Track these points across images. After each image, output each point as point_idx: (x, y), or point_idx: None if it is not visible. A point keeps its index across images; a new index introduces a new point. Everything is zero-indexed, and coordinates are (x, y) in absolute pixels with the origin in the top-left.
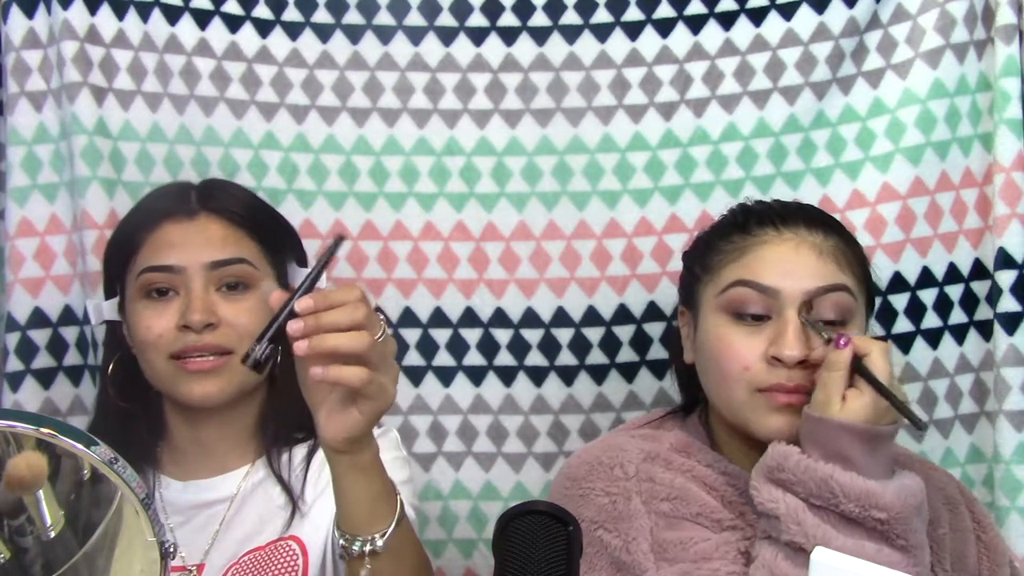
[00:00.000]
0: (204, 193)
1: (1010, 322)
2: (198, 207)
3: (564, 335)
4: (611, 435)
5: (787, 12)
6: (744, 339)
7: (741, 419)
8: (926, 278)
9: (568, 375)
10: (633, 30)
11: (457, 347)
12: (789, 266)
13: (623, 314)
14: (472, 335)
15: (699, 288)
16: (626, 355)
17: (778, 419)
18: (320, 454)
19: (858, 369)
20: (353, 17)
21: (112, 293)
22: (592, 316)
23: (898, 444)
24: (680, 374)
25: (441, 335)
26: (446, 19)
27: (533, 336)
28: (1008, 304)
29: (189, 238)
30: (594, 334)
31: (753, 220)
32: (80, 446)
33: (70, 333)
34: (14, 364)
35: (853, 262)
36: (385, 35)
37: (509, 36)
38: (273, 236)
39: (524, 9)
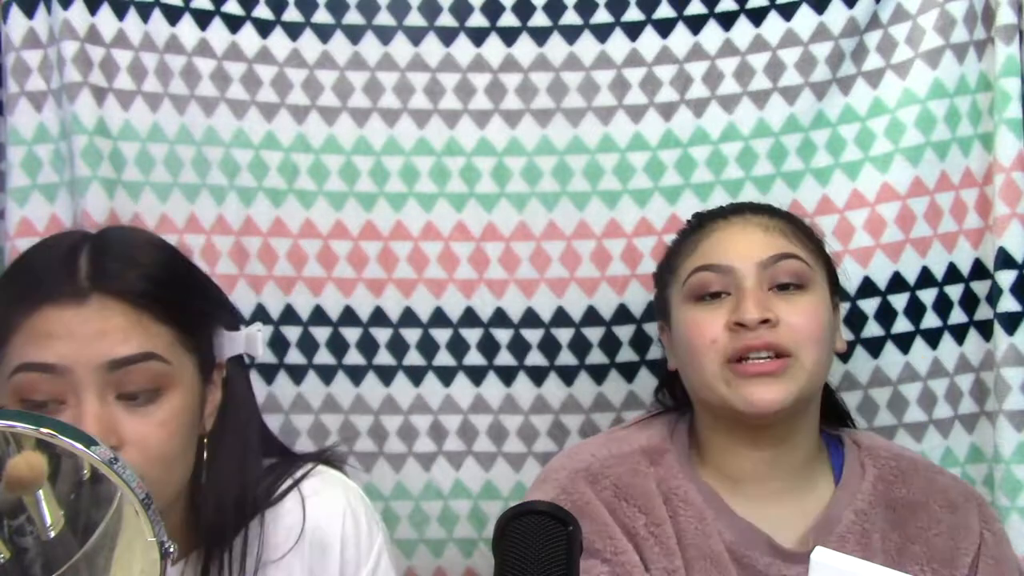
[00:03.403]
0: (96, 266)
1: (1010, 322)
2: (88, 286)
3: (564, 335)
4: (585, 442)
5: (787, 12)
6: (708, 315)
7: (719, 397)
8: (926, 278)
9: (568, 375)
10: (633, 30)
11: (457, 347)
12: (739, 244)
13: (623, 314)
14: (472, 335)
15: (669, 293)
16: (626, 355)
17: (753, 387)
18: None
19: None
20: (353, 17)
21: None
22: (592, 316)
23: (904, 447)
24: (669, 386)
25: (441, 335)
26: (446, 19)
27: (533, 336)
28: (1008, 304)
29: (75, 329)
30: (594, 334)
31: (706, 218)
32: (80, 446)
33: None
34: None
35: (802, 236)
36: (385, 35)
37: (509, 36)
38: (190, 310)
39: (524, 9)
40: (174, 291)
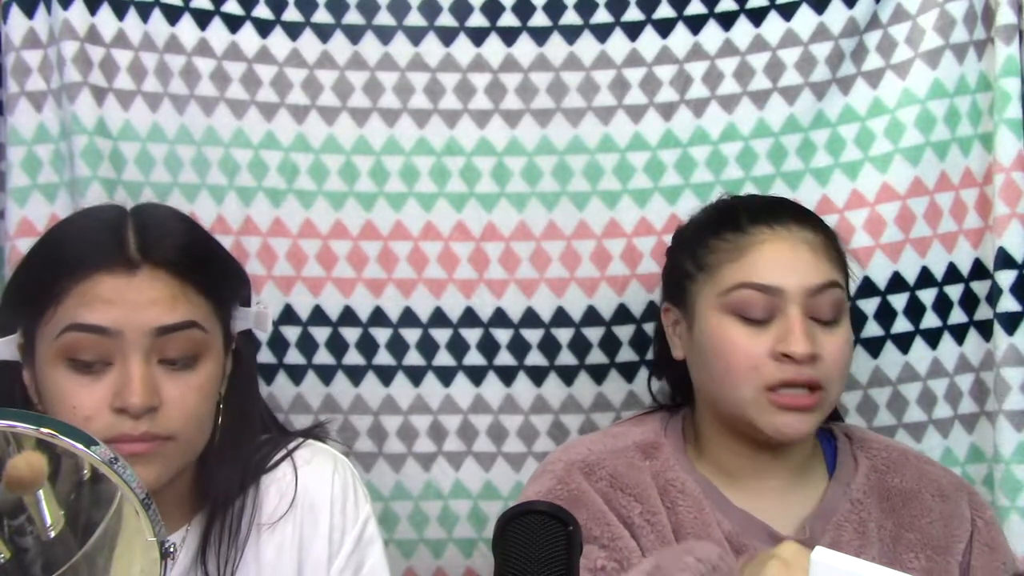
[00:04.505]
0: (144, 239)
1: (1010, 322)
2: (139, 258)
3: (564, 335)
4: (581, 438)
5: (787, 12)
6: (750, 338)
7: (747, 417)
8: (925, 278)
9: (568, 375)
10: (633, 30)
11: (457, 347)
12: (789, 264)
13: (623, 314)
14: (472, 335)
15: (692, 286)
16: (626, 355)
17: (786, 418)
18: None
19: None
20: (353, 17)
21: (9, 329)
22: (592, 316)
23: (893, 440)
24: (667, 371)
25: (441, 335)
26: (446, 19)
27: (533, 336)
28: (1008, 304)
29: (128, 296)
30: (594, 334)
31: (745, 217)
32: (80, 446)
33: None
34: None
35: (837, 257)
36: (385, 35)
37: (509, 36)
38: (222, 284)
39: (524, 9)
40: (210, 265)
